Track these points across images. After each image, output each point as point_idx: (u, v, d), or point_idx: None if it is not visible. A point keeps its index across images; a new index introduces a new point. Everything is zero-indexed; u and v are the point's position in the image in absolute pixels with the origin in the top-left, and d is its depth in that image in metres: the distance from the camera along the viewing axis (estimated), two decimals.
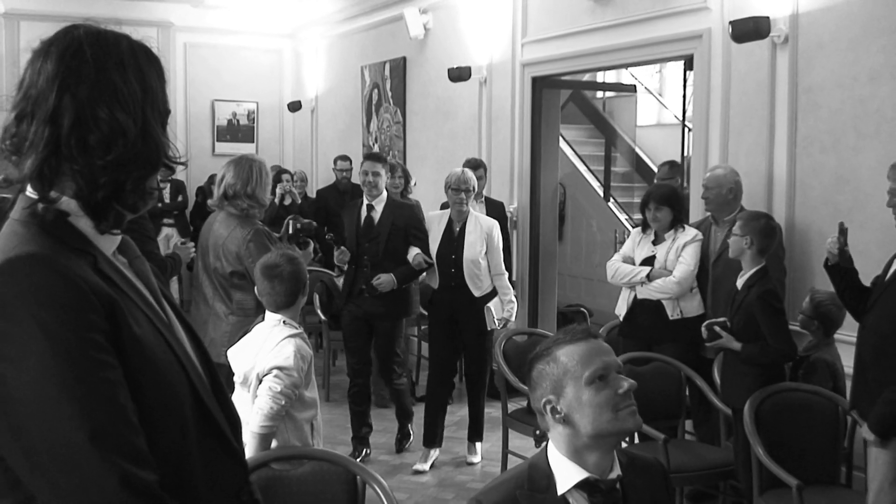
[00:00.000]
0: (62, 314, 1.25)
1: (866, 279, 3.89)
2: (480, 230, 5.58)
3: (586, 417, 1.92)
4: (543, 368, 1.98)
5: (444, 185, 5.68)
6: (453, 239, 5.58)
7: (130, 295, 1.38)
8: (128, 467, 1.24)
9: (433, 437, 5.66)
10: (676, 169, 7.10)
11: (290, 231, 4.97)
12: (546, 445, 2.02)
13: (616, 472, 1.97)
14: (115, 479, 1.23)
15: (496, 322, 5.61)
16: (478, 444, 5.83)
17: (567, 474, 1.94)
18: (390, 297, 5.55)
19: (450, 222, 5.64)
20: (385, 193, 5.67)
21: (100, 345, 1.27)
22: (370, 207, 5.62)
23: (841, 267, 3.89)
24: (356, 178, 7.10)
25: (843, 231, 3.89)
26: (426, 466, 5.54)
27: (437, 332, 5.77)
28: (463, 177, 5.58)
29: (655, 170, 10.47)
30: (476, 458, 5.76)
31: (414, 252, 5.51)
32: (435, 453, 5.66)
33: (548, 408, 1.96)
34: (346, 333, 5.85)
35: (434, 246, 5.59)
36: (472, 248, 5.53)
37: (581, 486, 1.94)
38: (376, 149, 9.52)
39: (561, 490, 1.94)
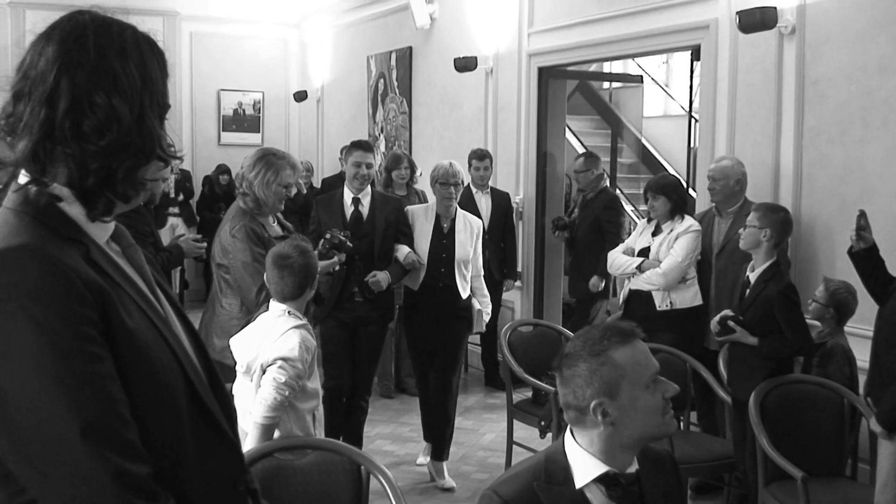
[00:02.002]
0: (53, 307, 1.23)
1: None
2: (471, 229, 5.18)
3: (637, 421, 1.90)
4: (597, 369, 1.91)
5: (431, 179, 5.23)
6: (443, 237, 5.13)
7: (123, 285, 1.37)
8: (120, 462, 1.24)
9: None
10: (592, 161, 6.73)
11: (321, 240, 4.59)
12: (563, 438, 2.00)
13: (635, 466, 1.96)
14: (107, 474, 1.22)
15: (483, 325, 5.33)
16: (444, 466, 5.22)
17: (586, 468, 1.93)
18: (380, 300, 4.98)
19: (437, 219, 5.17)
20: (369, 186, 5.13)
21: (91, 337, 1.26)
22: (356, 201, 5.02)
23: (862, 253, 3.88)
24: None
25: (861, 217, 3.90)
26: (429, 459, 5.45)
27: (417, 335, 5.27)
28: (451, 170, 5.10)
29: (662, 161, 10.50)
30: (445, 482, 5.16)
31: (406, 251, 5.01)
32: None
33: (598, 410, 1.90)
34: (330, 345, 4.97)
35: (424, 243, 5.10)
36: (463, 247, 5.12)
37: (599, 479, 1.92)
38: (382, 139, 9.52)
39: (579, 484, 1.92)
